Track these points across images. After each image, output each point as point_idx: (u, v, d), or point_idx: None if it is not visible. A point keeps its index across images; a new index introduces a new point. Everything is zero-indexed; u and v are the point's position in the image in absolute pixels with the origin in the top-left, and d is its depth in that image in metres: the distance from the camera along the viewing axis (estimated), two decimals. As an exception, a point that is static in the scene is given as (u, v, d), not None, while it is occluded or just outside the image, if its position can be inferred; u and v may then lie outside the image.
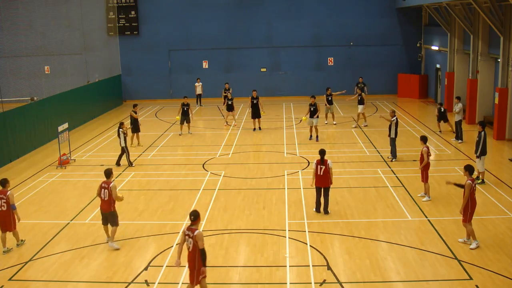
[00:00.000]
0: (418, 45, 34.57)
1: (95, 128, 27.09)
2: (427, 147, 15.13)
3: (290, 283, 10.59)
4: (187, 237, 9.41)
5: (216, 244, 12.45)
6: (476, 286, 10.23)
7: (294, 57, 35.16)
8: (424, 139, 15.52)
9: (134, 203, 15.39)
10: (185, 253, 9.61)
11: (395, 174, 17.64)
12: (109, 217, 12.44)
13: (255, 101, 24.85)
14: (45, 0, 28.73)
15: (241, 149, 21.85)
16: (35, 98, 25.02)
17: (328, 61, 35.20)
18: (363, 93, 25.16)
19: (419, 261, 11.35)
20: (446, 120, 23.45)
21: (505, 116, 21.79)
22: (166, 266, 11.45)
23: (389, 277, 10.72)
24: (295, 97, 34.62)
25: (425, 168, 14.91)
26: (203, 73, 34.82)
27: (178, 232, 13.23)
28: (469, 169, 11.94)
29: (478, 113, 24.75)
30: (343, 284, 10.44)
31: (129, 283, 10.78)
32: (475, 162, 16.75)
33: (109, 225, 12.58)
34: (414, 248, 11.98)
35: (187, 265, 9.54)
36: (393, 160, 19.09)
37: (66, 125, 20.46)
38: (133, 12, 34.85)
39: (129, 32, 35.07)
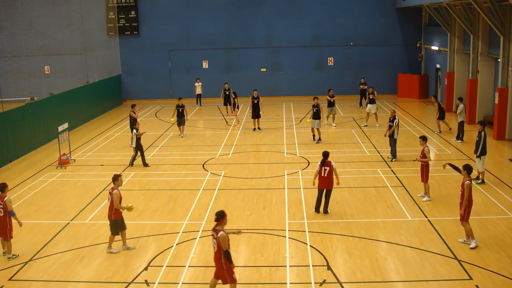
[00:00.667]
0: (418, 45, 34.56)
1: (95, 128, 27.09)
2: (428, 147, 15.13)
3: (290, 283, 10.59)
4: (212, 237, 9.43)
5: (216, 244, 12.46)
6: (476, 286, 10.23)
7: (294, 57, 35.16)
8: (424, 138, 15.52)
9: (134, 203, 15.32)
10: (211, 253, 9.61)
11: (395, 174, 17.64)
12: (110, 224, 12.15)
13: (255, 101, 24.84)
14: (45, 0, 28.72)
15: (241, 149, 21.85)
16: (36, 98, 25.01)
17: (328, 61, 35.20)
18: (375, 92, 25.31)
19: (419, 261, 11.35)
20: (443, 118, 23.47)
21: (505, 116, 21.79)
22: (166, 266, 11.45)
23: (389, 277, 10.72)
24: (295, 97, 34.63)
25: (425, 168, 14.90)
26: (203, 73, 34.82)
27: (178, 232, 13.24)
28: (467, 169, 11.93)
29: (478, 113, 24.75)
30: (343, 284, 10.44)
31: (129, 283, 10.78)
32: (475, 162, 16.76)
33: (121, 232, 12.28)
34: (414, 248, 11.98)
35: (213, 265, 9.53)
36: (393, 160, 19.09)
37: (66, 125, 20.45)
38: (133, 12, 34.85)
39: (129, 32, 35.07)
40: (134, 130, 19.21)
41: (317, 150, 21.01)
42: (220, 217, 9.35)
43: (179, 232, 13.25)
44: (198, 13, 34.73)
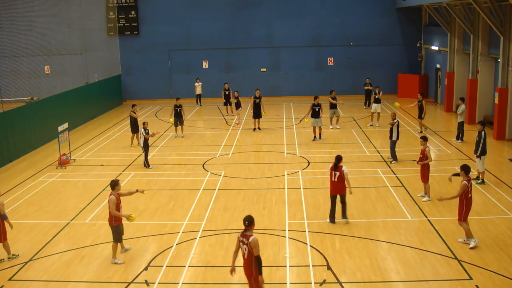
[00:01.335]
0: (418, 45, 34.56)
1: (95, 128, 27.09)
2: (428, 147, 15.13)
3: (290, 283, 10.59)
4: (241, 243, 9.05)
5: (216, 244, 12.46)
6: (476, 286, 10.23)
7: (294, 57, 35.16)
8: (425, 139, 15.50)
9: (134, 203, 15.38)
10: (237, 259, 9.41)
11: (395, 174, 17.63)
12: (112, 231, 11.79)
13: (257, 101, 24.81)
14: (45, 0, 28.72)
15: (241, 149, 21.85)
16: (35, 98, 25.01)
17: (328, 61, 35.20)
18: (381, 92, 25.34)
19: (419, 261, 11.35)
20: (422, 118, 23.15)
21: (505, 116, 21.79)
22: (166, 266, 11.45)
23: (389, 277, 10.72)
24: (295, 97, 34.63)
25: (426, 168, 14.89)
26: (203, 73, 34.82)
27: (178, 232, 13.24)
28: (465, 169, 11.91)
29: (478, 113, 24.75)
30: (343, 284, 10.44)
31: (129, 283, 10.78)
32: (475, 162, 16.75)
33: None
34: (414, 248, 11.98)
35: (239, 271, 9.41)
36: (393, 162, 18.98)
37: (66, 125, 20.45)
38: (133, 12, 34.85)
39: (129, 32, 35.07)
40: (142, 130, 19.10)
41: (317, 150, 21.02)
42: (250, 222, 8.99)
43: (179, 232, 13.25)
44: (198, 13, 34.74)
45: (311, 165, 18.92)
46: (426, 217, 13.80)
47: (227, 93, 29.20)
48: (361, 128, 25.03)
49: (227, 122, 27.18)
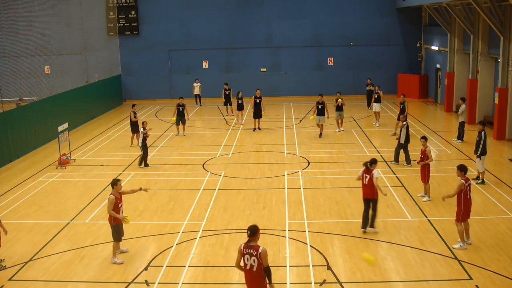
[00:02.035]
0: (418, 45, 34.56)
1: (95, 128, 27.08)
2: (429, 147, 15.13)
3: (290, 283, 10.59)
4: (247, 256, 8.33)
5: (216, 244, 12.46)
6: (476, 286, 10.23)
7: (294, 57, 35.16)
8: (426, 139, 15.50)
9: (134, 203, 15.38)
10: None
11: (395, 174, 17.63)
12: (111, 230, 11.75)
13: (258, 101, 24.82)
14: (45, 0, 28.70)
15: (241, 149, 21.84)
16: (35, 99, 24.99)
17: (328, 61, 35.21)
18: (380, 92, 25.40)
19: (419, 261, 11.35)
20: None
21: (505, 116, 21.79)
22: (166, 266, 11.45)
23: (389, 277, 10.72)
24: (295, 97, 34.63)
25: (427, 168, 14.89)
26: (203, 73, 34.83)
27: (178, 232, 13.24)
28: (460, 168, 11.89)
29: (478, 113, 24.75)
30: (343, 284, 10.44)
31: (129, 283, 10.78)
32: (475, 162, 16.75)
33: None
34: (414, 248, 11.98)
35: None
36: (393, 162, 18.94)
37: (66, 125, 20.45)
38: (133, 12, 34.85)
39: (129, 32, 35.07)
40: (141, 129, 19.16)
41: (317, 150, 21.03)
42: (254, 232, 8.36)
43: (179, 232, 13.25)
44: (198, 13, 34.73)
45: (311, 165, 18.92)
46: (426, 217, 13.80)
47: (227, 93, 29.19)
48: (361, 128, 25.03)
49: (227, 122, 27.17)
